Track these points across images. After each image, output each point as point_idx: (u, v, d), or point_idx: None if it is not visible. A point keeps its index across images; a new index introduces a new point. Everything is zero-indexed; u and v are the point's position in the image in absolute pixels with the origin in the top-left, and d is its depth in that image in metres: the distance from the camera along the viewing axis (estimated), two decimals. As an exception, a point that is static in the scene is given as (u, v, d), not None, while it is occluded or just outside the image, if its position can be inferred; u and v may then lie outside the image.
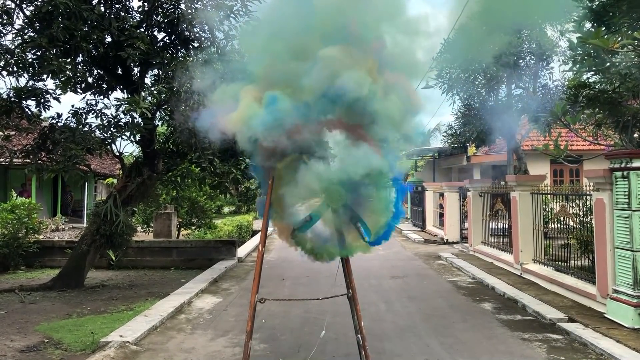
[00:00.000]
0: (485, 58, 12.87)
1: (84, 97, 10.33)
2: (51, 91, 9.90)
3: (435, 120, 79.49)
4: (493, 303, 9.22)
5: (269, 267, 12.38)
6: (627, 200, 7.46)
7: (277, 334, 7.31)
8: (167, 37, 10.47)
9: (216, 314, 8.51)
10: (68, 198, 26.00)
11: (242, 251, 15.13)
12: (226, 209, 32.81)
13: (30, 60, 9.23)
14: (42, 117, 10.24)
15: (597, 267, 8.37)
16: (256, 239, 18.47)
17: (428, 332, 7.41)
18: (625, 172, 7.49)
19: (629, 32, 7.36)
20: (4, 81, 9.91)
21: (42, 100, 9.77)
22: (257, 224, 24.16)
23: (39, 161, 9.81)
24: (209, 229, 17.89)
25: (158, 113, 10.53)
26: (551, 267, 10.58)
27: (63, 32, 8.61)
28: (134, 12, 10.38)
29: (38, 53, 9.03)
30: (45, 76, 9.40)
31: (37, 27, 9.06)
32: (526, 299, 9.10)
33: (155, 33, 10.46)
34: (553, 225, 11.17)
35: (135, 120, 9.68)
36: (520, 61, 13.84)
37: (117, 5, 10.01)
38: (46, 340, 6.88)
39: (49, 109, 9.93)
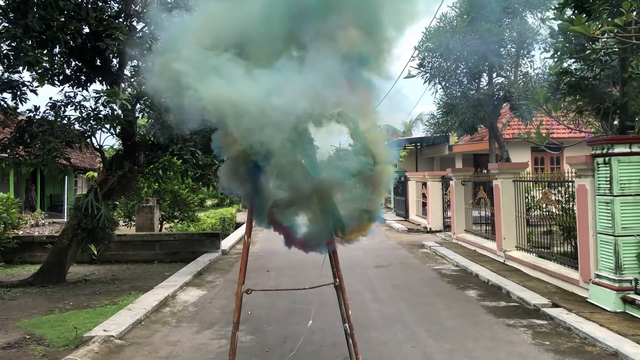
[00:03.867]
0: (467, 47, 12.92)
1: (62, 89, 10.16)
2: (28, 83, 9.74)
3: (417, 109, 79.61)
4: (477, 290, 9.29)
5: (254, 259, 12.32)
6: (608, 186, 7.54)
7: (263, 325, 7.28)
8: (146, 28, 10.30)
9: (201, 306, 8.45)
10: (32, 194, 25.43)
11: (226, 244, 15.04)
12: (209, 202, 32.66)
13: (5, 51, 9.01)
14: (19, 110, 10.03)
15: (579, 252, 8.47)
16: (240, 232, 18.40)
17: (414, 320, 7.44)
18: (606, 158, 7.57)
19: (609, 18, 7.39)
20: (-21, 74, 9.64)
21: (19, 93, 9.59)
22: (241, 217, 24.08)
23: (17, 155, 9.62)
24: (192, 222, 17.77)
25: (138, 105, 10.38)
26: (534, 254, 10.68)
27: (39, 23, 8.43)
28: (112, 2, 10.19)
29: (13, 44, 8.81)
30: (21, 68, 9.20)
31: (12, 18, 8.85)
32: (510, 285, 9.18)
33: (134, 23, 10.28)
34: (535, 213, 11.27)
35: (115, 112, 9.53)
36: (502, 49, 13.89)
37: (94, -5, 9.83)
38: (28, 337, 6.76)
39: (25, 102, 9.76)
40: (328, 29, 4.47)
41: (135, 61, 10.32)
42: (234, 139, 4.48)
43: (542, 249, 10.67)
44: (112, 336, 6.54)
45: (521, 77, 14.13)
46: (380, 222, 4.98)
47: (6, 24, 8.97)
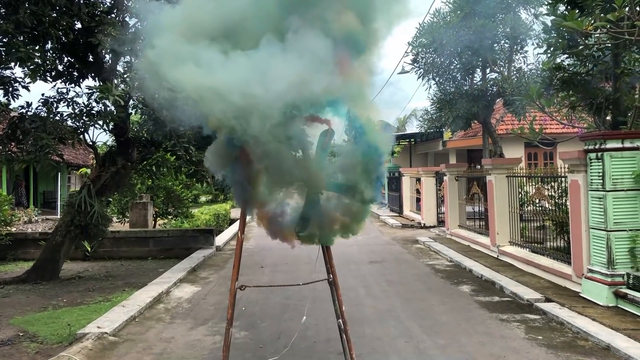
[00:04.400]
0: (460, 42, 12.92)
1: (55, 86, 10.09)
2: (20, 79, 9.65)
3: (411, 105, 79.75)
4: (471, 285, 9.32)
5: (248, 255, 12.32)
6: (601, 181, 7.57)
7: (257, 321, 7.29)
8: (138, 23, 10.24)
9: (195, 303, 8.44)
10: (21, 190, 25.17)
11: (220, 240, 15.03)
12: (203, 198, 32.55)
13: (-4, 47, 8.96)
14: (11, 107, 9.97)
15: (572, 247, 8.51)
16: (234, 228, 18.38)
17: (407, 315, 7.46)
18: (599, 154, 7.60)
19: (602, 14, 7.42)
20: (-31, 70, 9.57)
21: (11, 89, 9.51)
22: (235, 213, 24.04)
23: (9, 151, 9.57)
24: (185, 218, 17.74)
25: (131, 101, 10.33)
26: (527, 249, 10.72)
27: (30, 18, 8.36)
28: (104, -3, 10.12)
29: (4, 40, 8.75)
30: (13, 64, 9.12)
31: (3, 13, 8.78)
32: (503, 280, 9.21)
33: (127, 19, 10.22)
34: (529, 208, 11.32)
35: (108, 109, 9.48)
36: (495, 45, 13.92)
37: (86, -10, 9.75)
38: (21, 334, 6.74)
39: (17, 98, 9.68)
40: (321, 14, 4.37)
41: (128, 57, 10.27)
42: (215, 124, 4.43)
43: (536, 244, 10.71)
44: (105, 333, 6.52)
45: (514, 72, 14.19)
46: (379, 202, 4.87)
47: (-3, 20, 8.90)
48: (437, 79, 15.08)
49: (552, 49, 8.68)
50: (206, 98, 4.18)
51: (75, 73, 10.30)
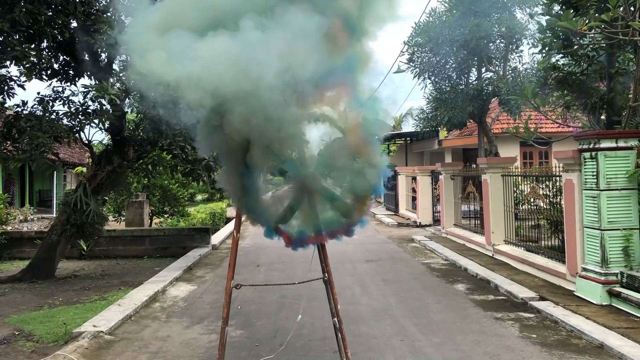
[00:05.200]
0: (456, 42, 12.93)
1: (50, 84, 10.07)
2: (15, 78, 9.64)
3: (407, 104, 79.73)
4: (466, 284, 9.36)
5: (244, 254, 12.33)
6: (595, 181, 7.60)
7: (253, 319, 7.30)
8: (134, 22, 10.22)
9: (191, 301, 8.45)
10: (12, 189, 24.97)
11: (216, 238, 15.05)
12: (199, 197, 32.57)
13: (-9, 46, 8.95)
14: (6, 105, 9.95)
15: (566, 246, 8.55)
16: (230, 226, 18.38)
17: (403, 314, 7.49)
18: (593, 153, 7.63)
19: (597, 14, 7.46)
20: (-35, 68, 9.55)
21: (6, 88, 9.50)
22: (231, 212, 24.03)
23: (5, 150, 9.55)
24: (181, 217, 17.73)
25: (127, 100, 10.32)
26: (522, 248, 10.77)
27: (26, 17, 8.36)
28: (99, -4, 10.10)
29: (0, 38, 8.74)
30: (8, 62, 9.11)
31: (-2, 12, 8.77)
32: (498, 279, 9.25)
33: (123, 17, 10.20)
34: (523, 207, 11.36)
35: (104, 107, 9.48)
36: (491, 44, 13.95)
37: (82, -11, 9.74)
38: (17, 333, 6.74)
39: (13, 97, 9.67)
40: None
41: (124, 56, 10.26)
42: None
43: (530, 243, 10.76)
44: (101, 332, 6.53)
45: (510, 72, 14.21)
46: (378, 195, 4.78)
47: (-7, 19, 8.88)
48: (432, 78, 15.09)
49: (547, 48, 8.72)
50: (184, 86, 4.12)
51: (71, 72, 10.29)
